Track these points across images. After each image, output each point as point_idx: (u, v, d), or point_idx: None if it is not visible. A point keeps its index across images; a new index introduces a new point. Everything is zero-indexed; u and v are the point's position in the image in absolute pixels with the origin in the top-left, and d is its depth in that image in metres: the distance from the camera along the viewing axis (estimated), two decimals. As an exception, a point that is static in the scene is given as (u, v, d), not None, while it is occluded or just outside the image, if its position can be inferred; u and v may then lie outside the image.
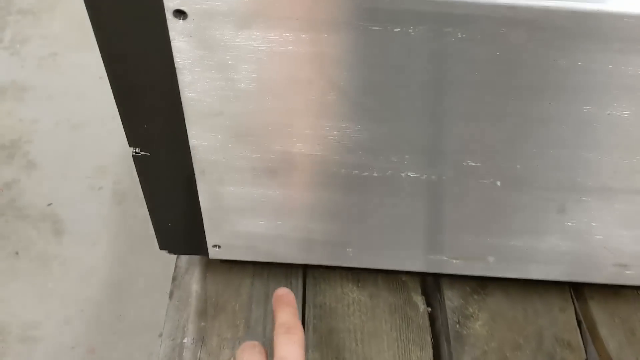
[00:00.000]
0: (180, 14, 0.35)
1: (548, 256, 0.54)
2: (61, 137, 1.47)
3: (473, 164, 0.45)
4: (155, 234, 0.54)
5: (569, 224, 0.50)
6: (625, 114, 0.40)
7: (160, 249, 0.57)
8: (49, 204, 1.35)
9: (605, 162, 0.44)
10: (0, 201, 1.35)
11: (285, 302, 0.47)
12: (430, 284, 0.65)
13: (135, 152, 0.45)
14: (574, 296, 0.63)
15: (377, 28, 0.35)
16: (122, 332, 1.15)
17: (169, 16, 0.35)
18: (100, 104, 1.42)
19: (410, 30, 0.35)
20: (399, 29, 0.35)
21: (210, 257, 0.57)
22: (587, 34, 0.35)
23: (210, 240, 0.54)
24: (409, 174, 0.46)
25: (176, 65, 0.38)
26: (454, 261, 0.56)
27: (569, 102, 0.40)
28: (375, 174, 0.46)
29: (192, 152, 0.45)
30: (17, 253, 1.26)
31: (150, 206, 0.51)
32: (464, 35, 0.35)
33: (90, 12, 0.35)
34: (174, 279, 0.65)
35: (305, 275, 0.64)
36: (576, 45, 0.36)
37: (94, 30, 0.36)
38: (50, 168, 1.42)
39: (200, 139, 0.44)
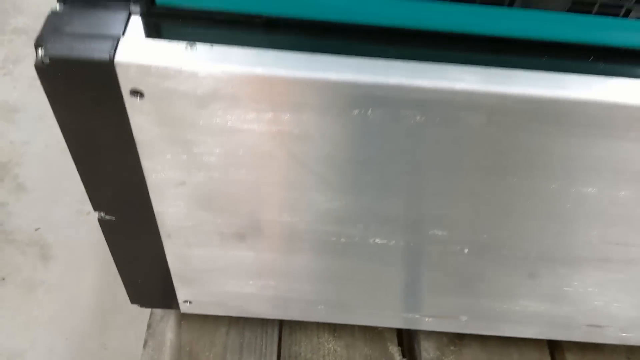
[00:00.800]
0: (136, 93, 0.35)
1: (521, 316, 0.54)
2: (51, 160, 1.47)
3: (439, 233, 0.44)
4: (126, 289, 0.54)
5: (540, 288, 0.50)
6: (591, 191, 0.40)
7: (132, 303, 0.56)
8: (37, 229, 1.34)
9: (573, 233, 0.44)
10: (-12, 225, 1.33)
11: None
12: (407, 334, 0.64)
13: (101, 217, 0.45)
14: (551, 348, 0.62)
15: (336, 110, 0.35)
16: (106, 361, 1.13)
17: (126, 96, 0.35)
18: (91, 127, 1.37)
19: (369, 113, 0.35)
20: (357, 112, 0.35)
21: (181, 311, 0.56)
22: (546, 119, 0.35)
23: (180, 296, 0.54)
24: (377, 240, 0.46)
25: (135, 140, 0.38)
26: (427, 319, 0.55)
27: (533, 180, 0.39)
28: (343, 240, 0.46)
29: (157, 217, 0.44)
30: (3, 279, 1.26)
31: (119, 265, 0.50)
32: (423, 119, 0.35)
33: (46, 88, 0.35)
34: (149, 326, 0.65)
35: (281, 324, 0.63)
36: (536, 129, 0.36)
37: (50, 105, 0.36)
38: (39, 192, 1.41)
39: (165, 206, 0.43)
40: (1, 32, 1.68)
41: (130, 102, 0.35)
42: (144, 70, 0.33)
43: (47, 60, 0.33)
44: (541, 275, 0.48)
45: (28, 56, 1.61)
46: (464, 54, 0.35)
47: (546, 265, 0.47)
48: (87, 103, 0.35)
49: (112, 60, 0.33)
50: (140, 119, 0.36)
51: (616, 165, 0.37)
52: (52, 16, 0.35)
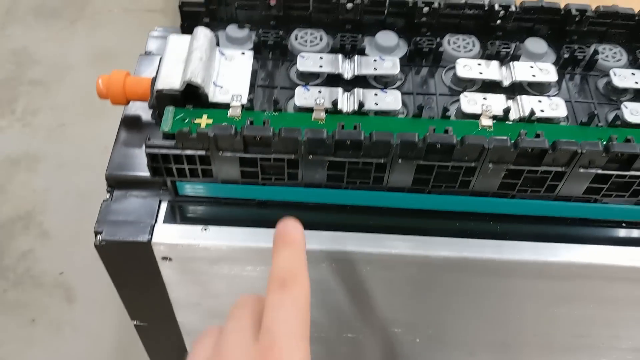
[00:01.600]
0: (166, 258, 0.49)
1: (468, 379, 0.68)
2: (71, 207, 1.58)
3: (396, 330, 0.59)
4: (152, 363, 0.68)
5: (479, 362, 0.64)
6: (503, 305, 0.54)
7: (157, 374, 0.71)
8: (61, 273, 1.46)
9: (495, 330, 0.58)
10: (17, 271, 1.46)
11: (288, 240, 0.33)
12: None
13: (136, 323, 0.59)
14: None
15: (309, 263, 0.49)
16: (129, 394, 1.27)
17: (159, 260, 0.49)
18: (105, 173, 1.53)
19: (332, 265, 0.49)
20: (324, 264, 0.49)
21: (198, 379, 0.71)
22: (458, 269, 0.49)
23: (197, 370, 0.68)
24: (349, 335, 0.60)
25: (165, 282, 0.52)
26: (394, 382, 0.69)
27: (458, 299, 0.54)
28: (322, 335, 0.60)
29: (179, 324, 0.59)
30: (33, 320, 1.38)
31: (148, 349, 0.64)
32: (371, 269, 0.49)
33: (102, 257, 0.49)
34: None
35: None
36: (452, 275, 0.50)
37: (104, 266, 0.50)
38: (62, 237, 1.53)
39: (185, 318, 0.58)
40: (18, 84, 1.80)
41: (161, 263, 0.49)
42: (172, 247, 0.47)
43: (103, 243, 0.47)
44: (478, 353, 0.62)
45: (45, 107, 1.73)
46: (400, 221, 0.49)
47: (481, 348, 0.61)
48: (131, 265, 0.50)
49: (149, 242, 0.47)
50: (169, 272, 0.50)
51: (515, 293, 0.52)
52: (104, 205, 0.49)
